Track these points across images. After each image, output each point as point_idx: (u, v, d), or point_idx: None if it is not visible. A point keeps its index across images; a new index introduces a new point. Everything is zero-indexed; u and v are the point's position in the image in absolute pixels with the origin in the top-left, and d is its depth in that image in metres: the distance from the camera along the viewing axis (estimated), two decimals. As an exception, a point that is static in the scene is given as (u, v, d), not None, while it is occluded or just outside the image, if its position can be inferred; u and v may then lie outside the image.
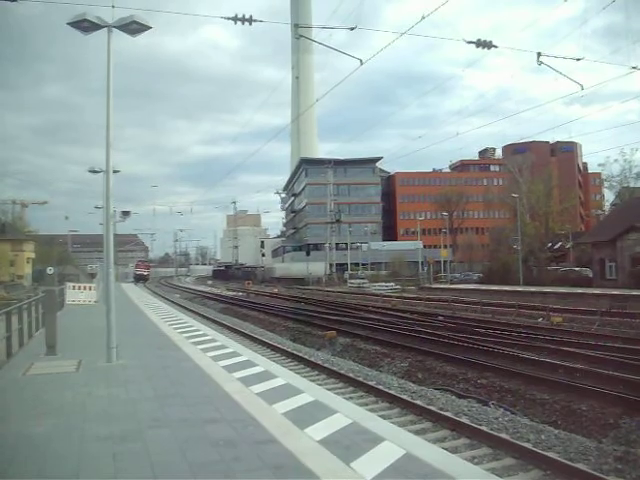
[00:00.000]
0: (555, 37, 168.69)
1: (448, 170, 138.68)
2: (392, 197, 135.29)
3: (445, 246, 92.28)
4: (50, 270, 20.23)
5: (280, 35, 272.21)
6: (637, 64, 23.99)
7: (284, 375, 12.16)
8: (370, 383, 16.25)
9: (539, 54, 21.88)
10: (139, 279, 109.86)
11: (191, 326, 22.89)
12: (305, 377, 14.83)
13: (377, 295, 60.39)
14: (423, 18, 19.48)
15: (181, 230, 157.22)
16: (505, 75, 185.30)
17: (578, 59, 22.75)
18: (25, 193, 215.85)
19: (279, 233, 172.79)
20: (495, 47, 20.51)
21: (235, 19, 18.60)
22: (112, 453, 7.15)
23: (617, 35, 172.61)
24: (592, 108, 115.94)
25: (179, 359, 14.51)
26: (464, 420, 12.55)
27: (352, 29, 21.14)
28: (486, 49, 20.40)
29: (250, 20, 18.75)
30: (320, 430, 7.90)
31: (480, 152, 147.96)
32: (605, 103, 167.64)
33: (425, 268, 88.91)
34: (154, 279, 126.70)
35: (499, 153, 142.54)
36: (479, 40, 20.18)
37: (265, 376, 11.96)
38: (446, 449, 8.70)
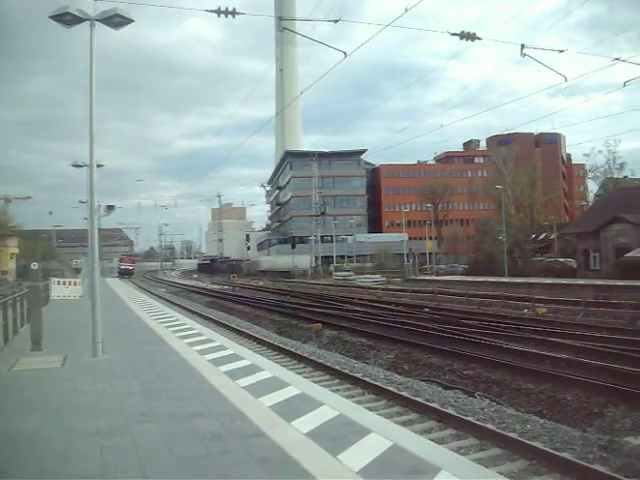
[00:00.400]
0: (538, 29, 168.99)
1: (433, 162, 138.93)
2: (377, 189, 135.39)
3: (430, 238, 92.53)
4: (34, 265, 20.07)
5: (263, 27, 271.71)
6: (620, 55, 24.09)
7: (270, 368, 12.17)
8: (356, 375, 16.28)
9: (523, 46, 21.93)
10: (124, 274, 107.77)
11: (177, 320, 22.86)
12: (291, 370, 14.86)
13: (363, 287, 60.50)
14: (407, 10, 19.51)
15: (166, 224, 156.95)
16: (488, 67, 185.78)
17: (561, 51, 22.83)
18: (8, 188, 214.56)
19: (264, 226, 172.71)
20: (479, 39, 20.56)
21: (219, 12, 18.56)
22: (99, 448, 7.13)
23: (600, 27, 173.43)
24: (575, 99, 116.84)
25: (165, 353, 14.50)
26: (450, 411, 12.60)
27: (336, 21, 21.14)
28: (470, 41, 20.44)
29: (233, 13, 18.71)
30: (307, 423, 7.91)
31: (464, 144, 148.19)
32: (588, 95, 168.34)
33: (410, 260, 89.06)
34: (139, 273, 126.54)
35: (483, 145, 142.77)
36: (463, 32, 20.21)
37: (251, 369, 11.96)
38: (433, 440, 8.76)
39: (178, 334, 17.98)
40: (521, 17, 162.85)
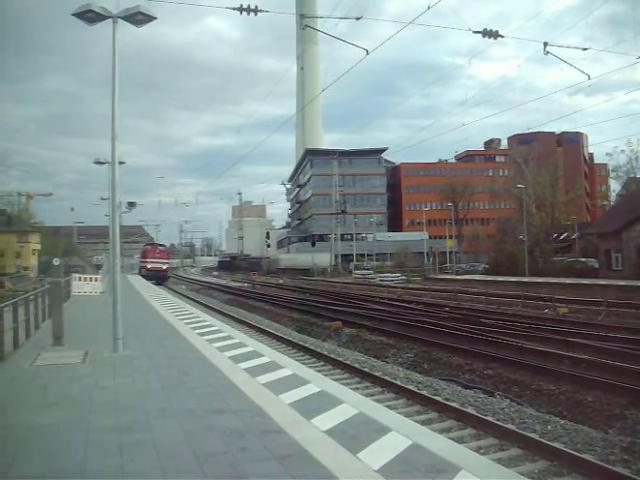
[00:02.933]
0: (558, 27, 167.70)
1: (454, 161, 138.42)
2: (397, 188, 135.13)
3: (450, 237, 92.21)
4: (56, 261, 20.27)
5: (281, 25, 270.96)
6: (643, 54, 23.85)
7: (290, 366, 12.17)
8: (376, 374, 16.28)
9: (546, 44, 21.81)
10: (153, 278, 68.47)
11: (197, 317, 22.92)
12: (311, 368, 14.86)
13: (382, 286, 60.41)
14: (429, 8, 19.41)
15: (186, 221, 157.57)
16: (508, 65, 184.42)
17: (585, 49, 22.68)
18: (30, 185, 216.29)
19: (284, 224, 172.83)
20: (501, 37, 20.46)
21: (241, 9, 18.59)
22: (119, 444, 7.16)
23: (620, 25, 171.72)
24: (596, 98, 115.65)
25: (185, 350, 14.53)
26: (470, 410, 12.56)
27: (358, 19, 21.13)
28: (492, 39, 20.33)
29: (255, 10, 18.74)
30: (327, 420, 7.90)
31: (485, 143, 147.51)
32: (609, 93, 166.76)
33: (431, 259, 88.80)
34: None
35: (504, 144, 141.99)
36: (485, 30, 20.10)
37: (271, 367, 11.96)
38: (452, 439, 8.69)
39: (198, 331, 18.02)
40: (540, 15, 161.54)
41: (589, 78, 22.53)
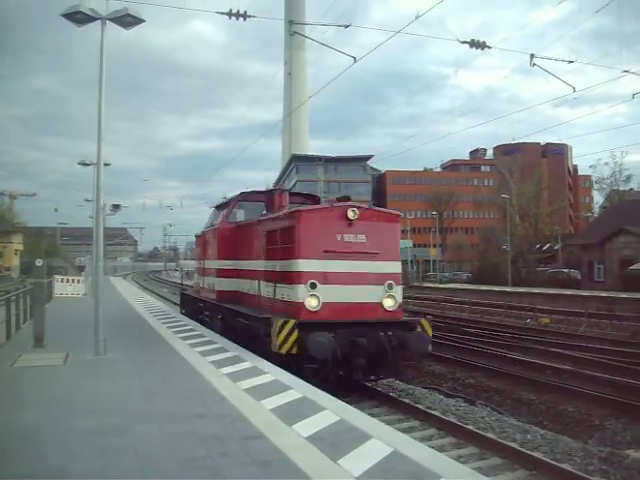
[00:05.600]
0: (544, 39, 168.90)
1: (439, 169, 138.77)
2: (383, 195, 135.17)
3: (435, 245, 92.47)
4: (39, 262, 20.18)
5: (269, 29, 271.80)
6: (625, 67, 24.06)
7: (272, 371, 12.15)
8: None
9: (532, 56, 21.88)
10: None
11: (179, 321, 22.83)
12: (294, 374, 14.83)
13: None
14: (417, 17, 19.45)
15: (170, 224, 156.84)
16: (494, 76, 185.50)
17: (571, 61, 22.81)
18: (13, 185, 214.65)
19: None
20: (488, 47, 20.52)
21: (230, 14, 18.55)
22: (99, 447, 7.13)
23: (605, 38, 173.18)
24: (580, 110, 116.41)
25: (167, 353, 14.48)
26: (451, 419, 12.59)
27: (346, 27, 21.07)
28: (480, 50, 20.40)
29: (245, 16, 18.70)
30: (308, 427, 7.90)
31: (471, 152, 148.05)
32: (593, 106, 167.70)
33: (415, 267, 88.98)
34: (141, 273, 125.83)
35: (490, 154, 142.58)
36: (473, 40, 20.17)
37: (253, 372, 11.95)
38: (433, 447, 8.72)
39: (180, 335, 17.96)
40: (527, 26, 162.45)
41: (574, 90, 22.65)
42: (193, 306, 24.53)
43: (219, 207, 21.53)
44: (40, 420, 8.40)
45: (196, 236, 26.21)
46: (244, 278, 17.96)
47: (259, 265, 16.25)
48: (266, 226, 16.11)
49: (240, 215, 19.89)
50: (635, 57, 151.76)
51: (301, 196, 20.53)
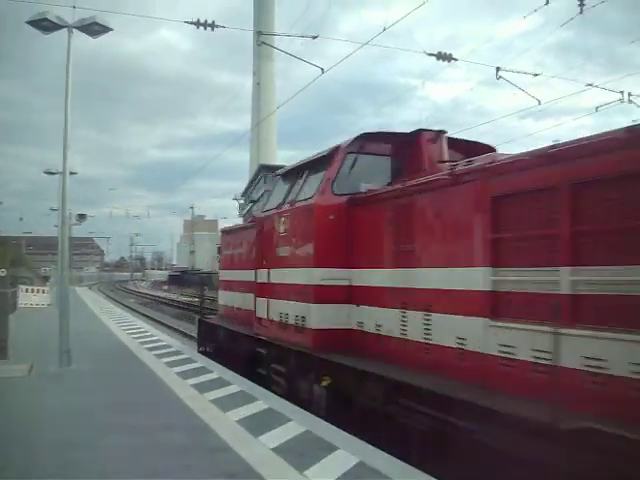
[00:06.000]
0: (509, 50, 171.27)
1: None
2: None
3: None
4: (2, 272, 19.85)
5: (237, 39, 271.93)
6: (589, 79, 24.44)
7: (239, 382, 12.10)
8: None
9: (498, 69, 22.10)
10: None
11: (146, 332, 22.68)
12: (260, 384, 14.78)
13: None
14: (385, 29, 19.56)
15: (137, 234, 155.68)
16: (460, 87, 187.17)
17: (536, 74, 23.04)
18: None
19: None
20: (455, 60, 20.70)
21: (197, 24, 18.51)
22: (63, 460, 7.03)
23: (569, 51, 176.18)
24: (545, 123, 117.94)
25: (133, 364, 14.38)
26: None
27: (314, 38, 21.14)
28: (446, 62, 20.59)
29: (212, 25, 18.67)
30: (274, 438, 7.87)
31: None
32: (558, 118, 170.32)
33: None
34: (107, 283, 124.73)
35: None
36: (440, 53, 20.35)
37: (220, 383, 11.90)
38: (400, 458, 8.73)
39: (146, 346, 17.84)
40: (493, 38, 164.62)
41: (539, 103, 22.90)
42: (232, 346, 15.81)
43: (298, 171, 12.56)
44: (1, 433, 8.28)
45: (226, 231, 20.22)
46: (382, 304, 9.67)
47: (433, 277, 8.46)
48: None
49: (355, 179, 11.06)
50: (599, 70, 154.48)
51: (463, 146, 11.94)
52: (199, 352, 17.65)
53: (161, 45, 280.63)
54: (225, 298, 18.85)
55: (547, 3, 16.90)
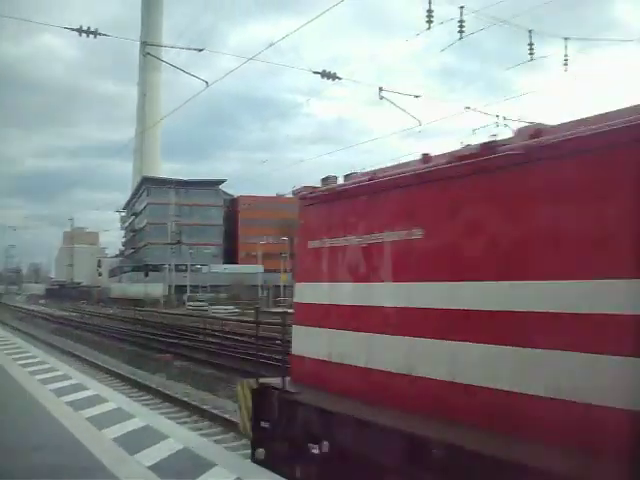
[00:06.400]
0: (393, 71, 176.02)
1: (291, 195, 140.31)
2: (234, 220, 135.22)
3: (285, 270, 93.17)
4: None
5: (122, 48, 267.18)
6: (468, 101, 25.35)
7: (116, 399, 11.91)
8: (205, 407, 16.14)
9: (381, 89, 22.62)
10: None
11: (19, 347, 21.94)
12: (138, 401, 14.59)
13: (216, 318, 60.04)
14: (271, 45, 19.74)
15: (13, 246, 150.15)
16: (345, 105, 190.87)
17: (417, 96, 23.72)
18: None
19: (118, 252, 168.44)
20: (339, 79, 21.08)
21: (80, 31, 18.12)
22: None
23: (450, 74, 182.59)
24: (426, 142, 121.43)
25: (4, 381, 13.89)
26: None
27: (200, 50, 21.07)
28: (330, 80, 20.93)
29: (95, 33, 18.32)
30: (150, 456, 7.78)
31: (322, 179, 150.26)
32: (441, 138, 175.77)
33: (265, 292, 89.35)
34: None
35: (341, 181, 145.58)
36: (324, 71, 20.68)
37: (96, 400, 11.66)
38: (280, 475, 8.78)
39: (19, 362, 17.27)
40: (377, 59, 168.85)
41: (420, 124, 23.60)
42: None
43: None
44: None
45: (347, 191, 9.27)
46: None
47: None
48: None
49: None
50: (477, 94, 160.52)
51: None
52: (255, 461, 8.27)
53: (43, 50, 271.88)
54: (334, 345, 8.30)
55: (429, 28, 17.45)
